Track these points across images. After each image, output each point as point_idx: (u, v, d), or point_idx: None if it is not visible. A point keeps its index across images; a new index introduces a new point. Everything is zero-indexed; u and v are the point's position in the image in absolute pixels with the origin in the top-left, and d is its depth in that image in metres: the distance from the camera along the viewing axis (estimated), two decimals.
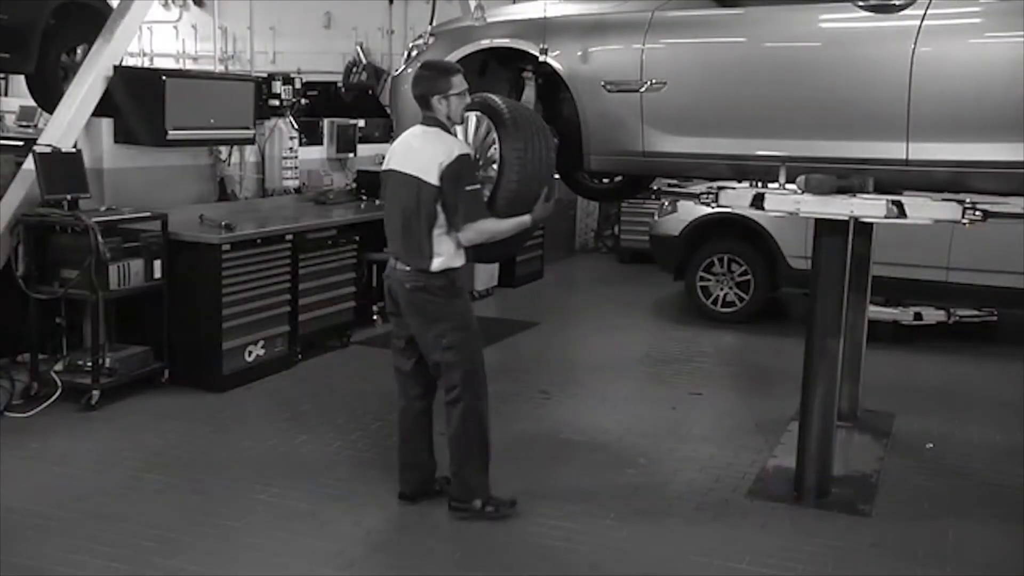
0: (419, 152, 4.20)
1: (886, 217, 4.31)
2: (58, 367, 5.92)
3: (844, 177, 4.40)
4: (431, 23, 5.58)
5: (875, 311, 7.07)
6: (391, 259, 4.39)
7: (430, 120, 4.23)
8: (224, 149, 7.49)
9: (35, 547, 4.03)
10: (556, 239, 11.75)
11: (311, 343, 7.02)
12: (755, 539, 4.35)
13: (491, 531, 4.29)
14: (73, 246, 5.77)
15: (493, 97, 4.49)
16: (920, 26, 4.23)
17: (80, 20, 7.09)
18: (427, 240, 4.17)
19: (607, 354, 7.52)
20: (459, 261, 4.23)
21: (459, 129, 4.43)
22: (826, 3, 4.52)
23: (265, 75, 8.09)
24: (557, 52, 4.92)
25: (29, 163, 5.97)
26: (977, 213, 4.18)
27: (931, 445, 5.65)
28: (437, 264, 4.19)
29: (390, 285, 4.38)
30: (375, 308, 8.02)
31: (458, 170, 4.07)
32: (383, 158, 9.53)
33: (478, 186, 4.15)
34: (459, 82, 4.19)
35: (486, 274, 9.28)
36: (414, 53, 5.40)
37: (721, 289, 8.73)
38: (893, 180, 4.46)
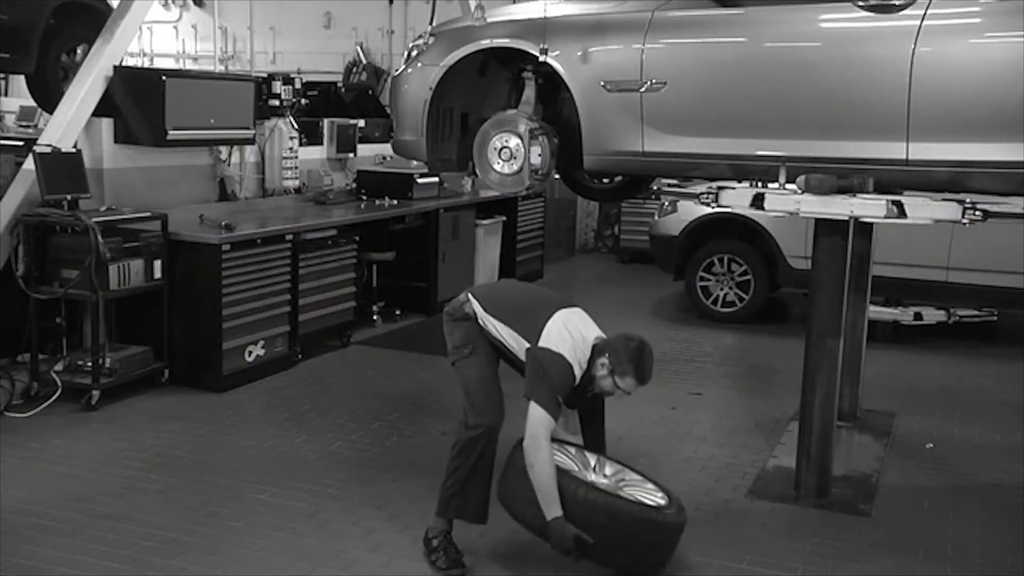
0: (558, 330, 3.90)
1: (886, 217, 4.31)
2: (58, 367, 5.91)
3: (844, 177, 4.40)
4: (431, 23, 5.57)
5: (875, 311, 7.08)
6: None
7: (594, 356, 3.91)
8: (224, 149, 7.49)
9: (35, 547, 4.03)
10: (556, 239, 11.76)
11: (311, 343, 7.02)
12: (755, 539, 4.35)
13: (492, 530, 4.28)
14: (73, 246, 5.77)
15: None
16: (920, 26, 4.23)
17: (80, 20, 7.09)
18: (492, 312, 4.03)
19: None
20: (487, 324, 4.03)
21: None
22: (826, 3, 4.53)
23: (265, 75, 8.09)
24: (557, 52, 4.91)
25: (29, 163, 5.97)
26: (977, 213, 4.18)
27: (931, 445, 5.66)
28: (476, 307, 4.05)
29: None
30: (375, 308, 8.03)
31: (557, 369, 3.83)
32: (383, 158, 9.60)
33: (562, 400, 3.84)
34: (630, 386, 3.92)
35: (486, 275, 9.28)
36: (414, 53, 5.40)
37: (721, 289, 8.73)
38: (893, 180, 4.46)
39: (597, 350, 3.92)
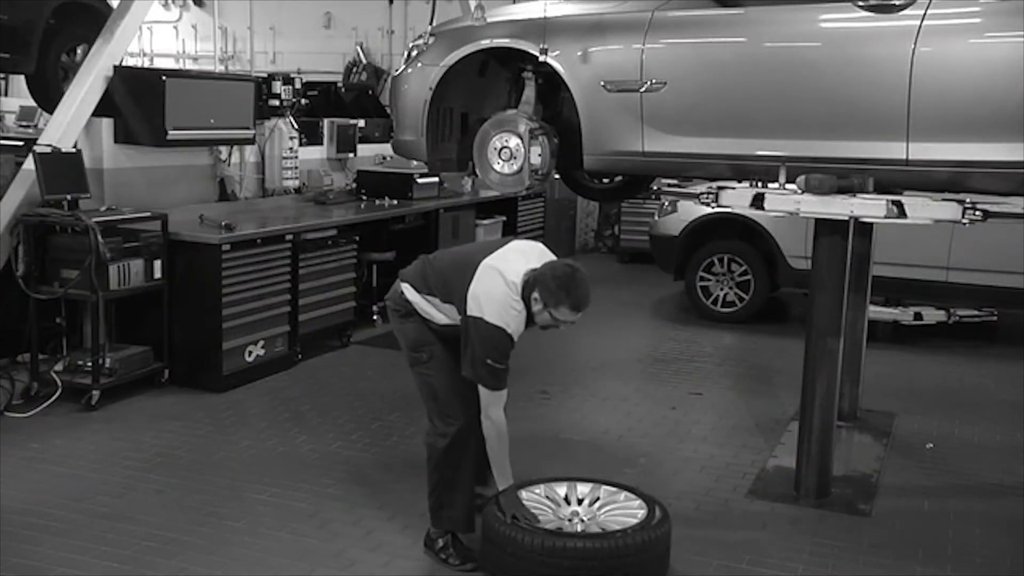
0: (481, 292, 3.78)
1: (886, 217, 4.31)
2: (58, 367, 5.91)
3: (844, 177, 4.40)
4: (431, 23, 5.58)
5: (875, 311, 7.08)
6: None
7: (528, 308, 3.80)
8: (224, 149, 7.49)
9: (35, 547, 4.03)
10: (556, 239, 11.75)
11: (311, 343, 7.02)
12: (755, 539, 4.35)
13: None
14: (73, 246, 5.77)
15: None
16: (920, 26, 4.23)
17: (80, 20, 7.09)
18: (425, 290, 3.99)
19: (607, 354, 7.52)
20: (427, 311, 3.99)
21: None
22: (826, 3, 4.53)
23: (265, 75, 8.09)
24: (557, 52, 4.91)
25: (29, 163, 5.97)
26: (977, 213, 4.18)
27: (931, 445, 5.66)
28: (409, 293, 4.01)
29: None
30: (375, 308, 8.02)
31: (492, 337, 3.75)
32: (383, 158, 9.59)
33: (503, 368, 3.77)
34: (567, 316, 3.75)
35: None
36: (414, 53, 5.41)
37: (721, 289, 8.73)
38: (893, 180, 4.46)
39: (528, 286, 3.78)
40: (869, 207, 4.34)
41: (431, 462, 4.02)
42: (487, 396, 3.82)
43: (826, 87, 4.47)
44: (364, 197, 8.36)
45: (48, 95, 7.10)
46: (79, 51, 7.19)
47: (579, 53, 4.91)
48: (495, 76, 5.46)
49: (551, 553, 3.62)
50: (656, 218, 9.32)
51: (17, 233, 5.90)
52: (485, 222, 9.30)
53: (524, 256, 3.91)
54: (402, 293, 4.04)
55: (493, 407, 3.84)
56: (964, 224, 4.23)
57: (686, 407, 6.23)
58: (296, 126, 8.07)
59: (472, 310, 3.77)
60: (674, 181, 9.06)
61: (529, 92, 5.13)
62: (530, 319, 3.86)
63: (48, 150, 5.94)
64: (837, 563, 4.15)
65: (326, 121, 8.73)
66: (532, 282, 3.79)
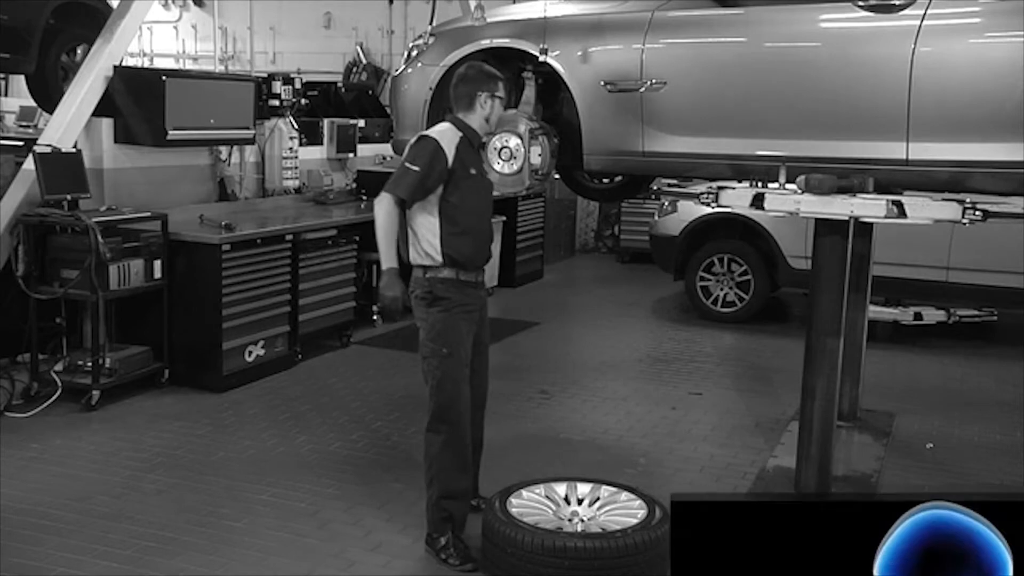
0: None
1: (886, 217, 4.30)
2: (58, 367, 5.91)
3: (844, 177, 4.40)
4: (431, 23, 5.58)
5: (875, 311, 7.07)
6: None
7: (459, 123, 4.16)
8: (224, 149, 7.49)
9: (35, 547, 4.03)
10: (556, 239, 11.76)
11: (311, 343, 7.03)
12: None
13: None
14: (73, 246, 5.77)
15: None
16: (920, 26, 4.23)
17: (80, 20, 7.09)
18: (433, 258, 4.11)
19: (607, 354, 7.52)
20: (431, 253, 4.10)
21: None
22: (826, 3, 4.53)
23: (265, 75, 8.09)
24: (557, 52, 4.91)
25: (29, 163, 5.97)
26: (977, 213, 4.17)
27: (931, 445, 5.66)
28: (413, 256, 4.13)
29: None
30: (375, 308, 8.02)
31: (412, 146, 4.09)
32: (383, 158, 9.56)
33: (417, 169, 4.01)
34: (501, 89, 4.20)
35: (486, 274, 9.27)
36: (414, 53, 5.41)
37: (721, 289, 8.73)
38: (893, 180, 4.46)
39: (463, 115, 4.15)
40: (869, 207, 4.34)
41: (427, 460, 4.07)
42: (384, 200, 4.05)
43: (826, 87, 4.47)
44: (364, 197, 8.35)
45: (48, 95, 7.10)
46: (79, 51, 7.19)
47: (579, 53, 4.91)
48: None
49: (551, 553, 3.62)
50: (656, 218, 9.32)
51: (17, 233, 5.90)
52: None
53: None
54: (423, 279, 4.10)
55: (390, 196, 4.06)
56: (964, 224, 4.22)
57: (686, 407, 6.23)
58: (296, 126, 8.07)
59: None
60: (674, 181, 9.07)
61: (529, 92, 5.12)
62: (474, 147, 4.20)
63: (48, 150, 5.95)
64: None
65: (326, 121, 8.73)
66: (466, 102, 4.15)
